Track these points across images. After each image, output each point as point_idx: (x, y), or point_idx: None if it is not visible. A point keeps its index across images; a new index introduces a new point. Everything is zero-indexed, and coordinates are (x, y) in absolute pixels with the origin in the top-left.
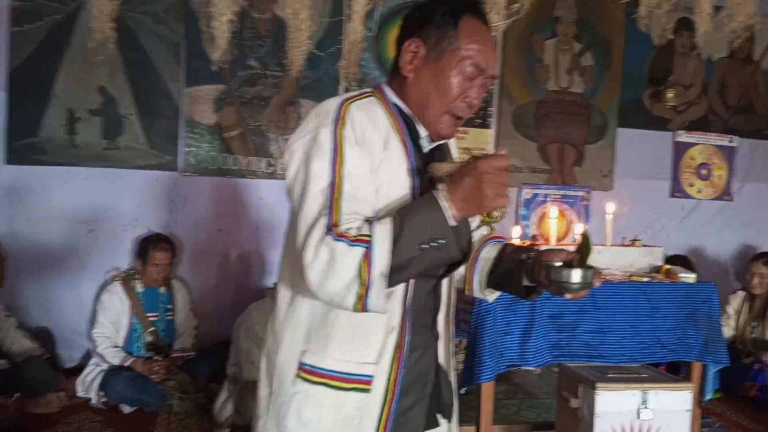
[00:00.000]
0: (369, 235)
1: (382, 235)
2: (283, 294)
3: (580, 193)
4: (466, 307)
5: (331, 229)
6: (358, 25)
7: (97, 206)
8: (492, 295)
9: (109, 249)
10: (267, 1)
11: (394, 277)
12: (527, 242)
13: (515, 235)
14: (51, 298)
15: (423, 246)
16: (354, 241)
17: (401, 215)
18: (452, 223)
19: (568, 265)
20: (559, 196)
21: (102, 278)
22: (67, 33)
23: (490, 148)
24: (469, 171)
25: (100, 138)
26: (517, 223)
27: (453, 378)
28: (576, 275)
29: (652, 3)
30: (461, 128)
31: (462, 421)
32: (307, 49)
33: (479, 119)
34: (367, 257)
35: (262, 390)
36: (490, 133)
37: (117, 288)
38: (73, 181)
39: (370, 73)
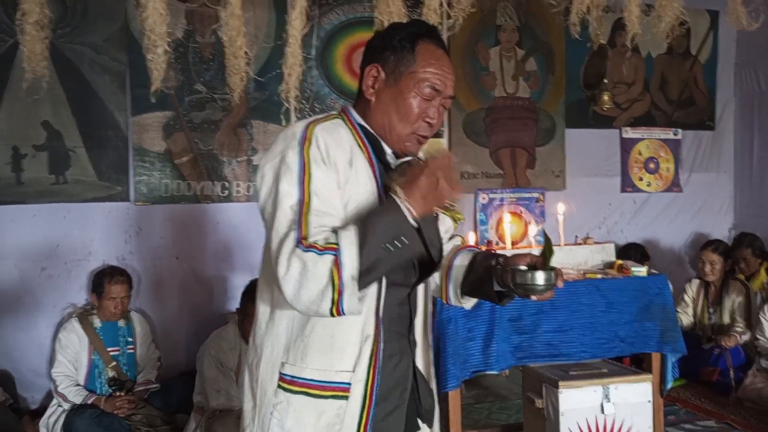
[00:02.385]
0: (336, 243)
1: (349, 241)
2: (263, 309)
3: (535, 195)
4: None
5: (301, 241)
6: (296, 49)
7: (49, 243)
8: (469, 303)
9: (64, 286)
10: (209, 24)
11: (364, 278)
12: (483, 247)
13: (471, 241)
14: (8, 341)
15: (388, 246)
16: (323, 249)
17: (364, 221)
18: (413, 222)
19: (533, 268)
20: (515, 199)
21: (59, 316)
22: (5, 70)
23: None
24: (422, 171)
25: (48, 173)
26: (475, 228)
27: (434, 384)
28: (540, 278)
29: (582, 9)
30: None
31: None
32: (245, 75)
33: None
34: (337, 263)
35: (247, 403)
36: (442, 143)
37: (74, 325)
38: (21, 220)
39: (320, 90)
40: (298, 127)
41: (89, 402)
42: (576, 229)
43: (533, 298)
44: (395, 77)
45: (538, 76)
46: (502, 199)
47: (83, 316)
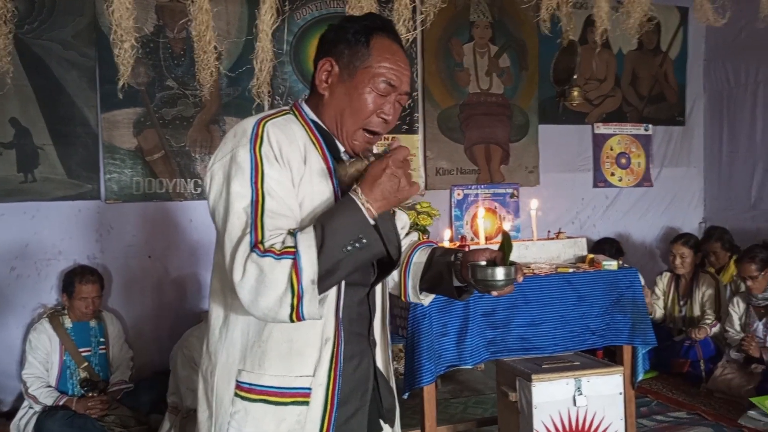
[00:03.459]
0: (294, 246)
1: (307, 244)
2: (216, 315)
3: (509, 190)
4: (402, 313)
5: (256, 246)
6: (266, 43)
7: (18, 243)
8: (427, 299)
9: (34, 286)
10: (179, 19)
11: (324, 282)
12: (456, 243)
13: (446, 237)
14: None
15: (347, 248)
16: (280, 254)
17: (322, 222)
18: (372, 221)
19: (492, 263)
20: (489, 195)
21: (29, 317)
22: None
23: (419, 154)
24: (383, 169)
25: (16, 172)
26: (450, 224)
27: (393, 383)
28: (500, 273)
29: (552, 5)
30: (389, 134)
31: (409, 425)
32: (215, 70)
33: (406, 125)
34: (296, 267)
35: (202, 413)
36: (417, 139)
37: (45, 325)
38: None
39: (294, 86)
40: (248, 124)
41: (61, 403)
42: (550, 224)
43: (494, 293)
44: (349, 72)
45: (512, 72)
46: (476, 195)
47: (54, 316)
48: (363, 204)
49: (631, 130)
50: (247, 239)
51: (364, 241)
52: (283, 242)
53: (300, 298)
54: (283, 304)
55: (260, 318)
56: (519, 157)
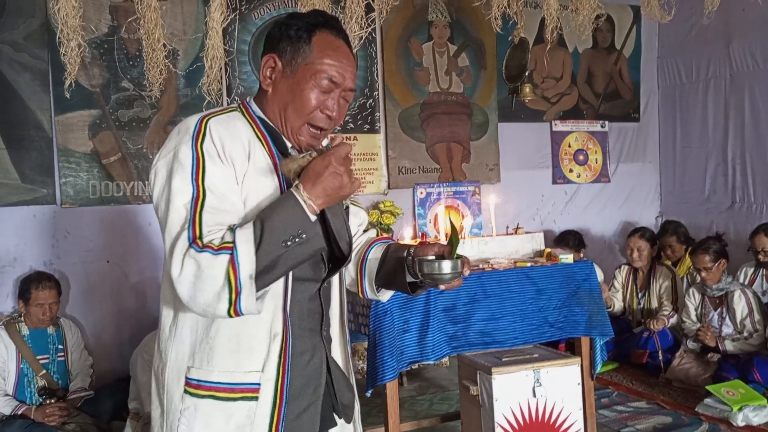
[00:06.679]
0: (232, 242)
1: (245, 239)
2: (166, 313)
3: (471, 188)
4: (365, 311)
5: (195, 241)
6: (216, 41)
7: None
8: (384, 295)
9: None
10: (133, 19)
11: (263, 277)
12: (417, 240)
13: (407, 235)
14: None
15: (287, 243)
16: (218, 249)
17: (262, 217)
18: (313, 217)
19: (441, 257)
20: (451, 193)
21: None
22: None
23: (381, 153)
24: (325, 165)
25: None
26: (414, 222)
27: (353, 380)
28: (446, 266)
29: (503, 3)
30: (350, 134)
31: (374, 424)
32: (164, 68)
33: (368, 125)
34: (233, 262)
35: (154, 411)
36: (379, 138)
37: (1, 333)
38: None
39: (254, 86)
40: (191, 121)
41: (19, 412)
42: (511, 220)
43: (441, 287)
44: (292, 68)
45: (470, 71)
46: (439, 194)
47: (10, 323)
48: (305, 200)
49: (588, 127)
50: (185, 235)
51: (304, 236)
52: (222, 238)
53: (238, 293)
54: (221, 299)
55: (200, 314)
56: (480, 155)
